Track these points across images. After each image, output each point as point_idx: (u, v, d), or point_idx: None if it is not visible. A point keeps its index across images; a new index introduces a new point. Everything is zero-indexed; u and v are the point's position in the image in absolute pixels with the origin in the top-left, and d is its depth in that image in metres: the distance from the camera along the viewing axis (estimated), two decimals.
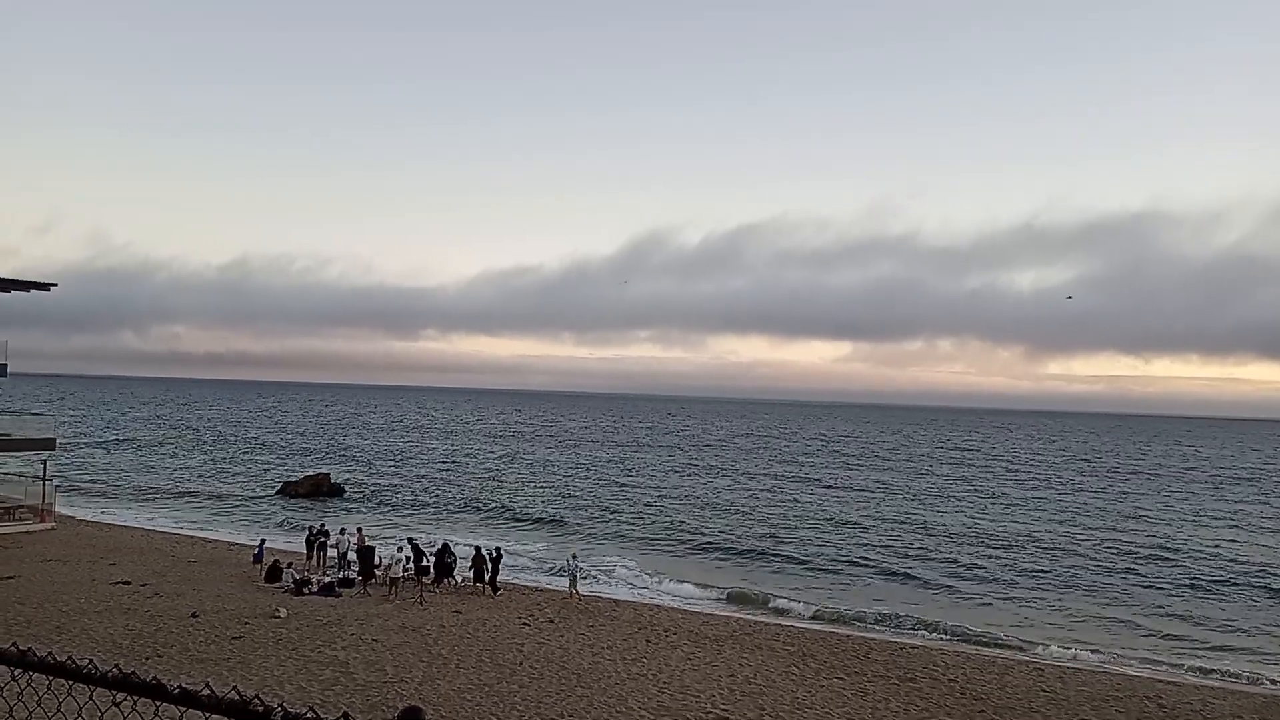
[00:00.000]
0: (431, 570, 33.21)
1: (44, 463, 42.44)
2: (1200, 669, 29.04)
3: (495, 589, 32.74)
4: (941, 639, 31.30)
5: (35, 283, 43.15)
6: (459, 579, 33.59)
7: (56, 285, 44.29)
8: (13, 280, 41.90)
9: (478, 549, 34.45)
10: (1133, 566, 46.74)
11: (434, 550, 34.55)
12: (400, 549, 33.73)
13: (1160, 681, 26.01)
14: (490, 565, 33.16)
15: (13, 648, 3.10)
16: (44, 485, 41.43)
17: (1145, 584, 42.51)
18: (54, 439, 44.06)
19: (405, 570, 32.22)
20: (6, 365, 40.61)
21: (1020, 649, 30.38)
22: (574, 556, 35.42)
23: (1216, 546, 54.01)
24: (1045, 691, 23.53)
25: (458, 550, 35.46)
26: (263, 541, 37.66)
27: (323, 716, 2.39)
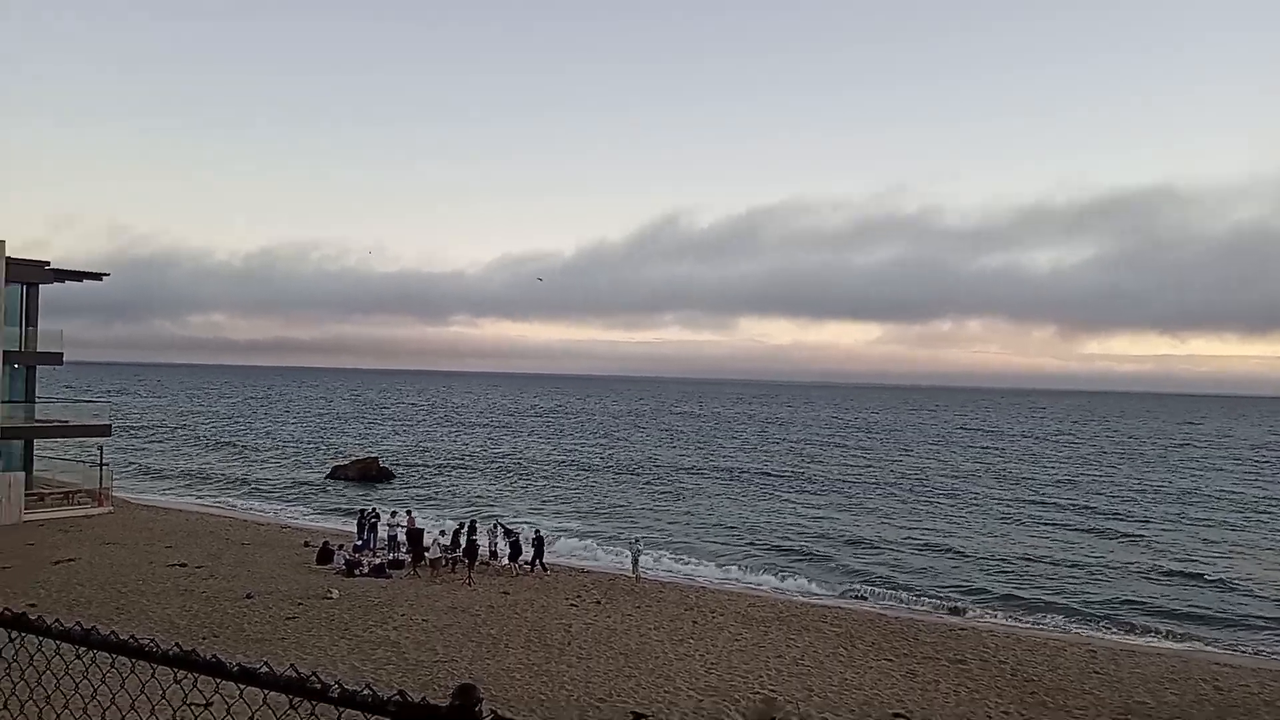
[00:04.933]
0: (495, 551, 33.62)
1: (100, 448, 43.38)
2: (1259, 651, 28.60)
3: (544, 568, 33.15)
4: (992, 620, 31.08)
5: (88, 273, 44.07)
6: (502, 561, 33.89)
7: (109, 275, 45.21)
8: (67, 271, 42.82)
9: (505, 529, 34.98)
10: (1186, 546, 46.01)
11: (503, 532, 34.89)
12: (442, 532, 34.34)
13: (1215, 664, 25.57)
14: (534, 546, 33.54)
15: (76, 627, 3.17)
16: (100, 470, 42.35)
17: (1199, 564, 41.82)
18: (109, 425, 44.98)
19: (447, 552, 32.70)
20: (63, 354, 41.51)
21: (1072, 630, 30.10)
22: (637, 539, 36.26)
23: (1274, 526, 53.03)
24: (1098, 673, 23.23)
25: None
26: (362, 526, 37.08)
27: (378, 694, 2.40)
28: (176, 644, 2.95)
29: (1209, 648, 28.70)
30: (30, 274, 40.32)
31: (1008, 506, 58.66)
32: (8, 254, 37.72)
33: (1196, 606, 34.31)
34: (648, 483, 67.41)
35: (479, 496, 59.05)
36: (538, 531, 35.26)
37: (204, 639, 21.59)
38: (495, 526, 35.88)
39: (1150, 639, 29.50)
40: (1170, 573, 39.89)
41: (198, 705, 3.84)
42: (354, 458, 73.04)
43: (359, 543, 35.57)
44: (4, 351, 38.14)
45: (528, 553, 33.53)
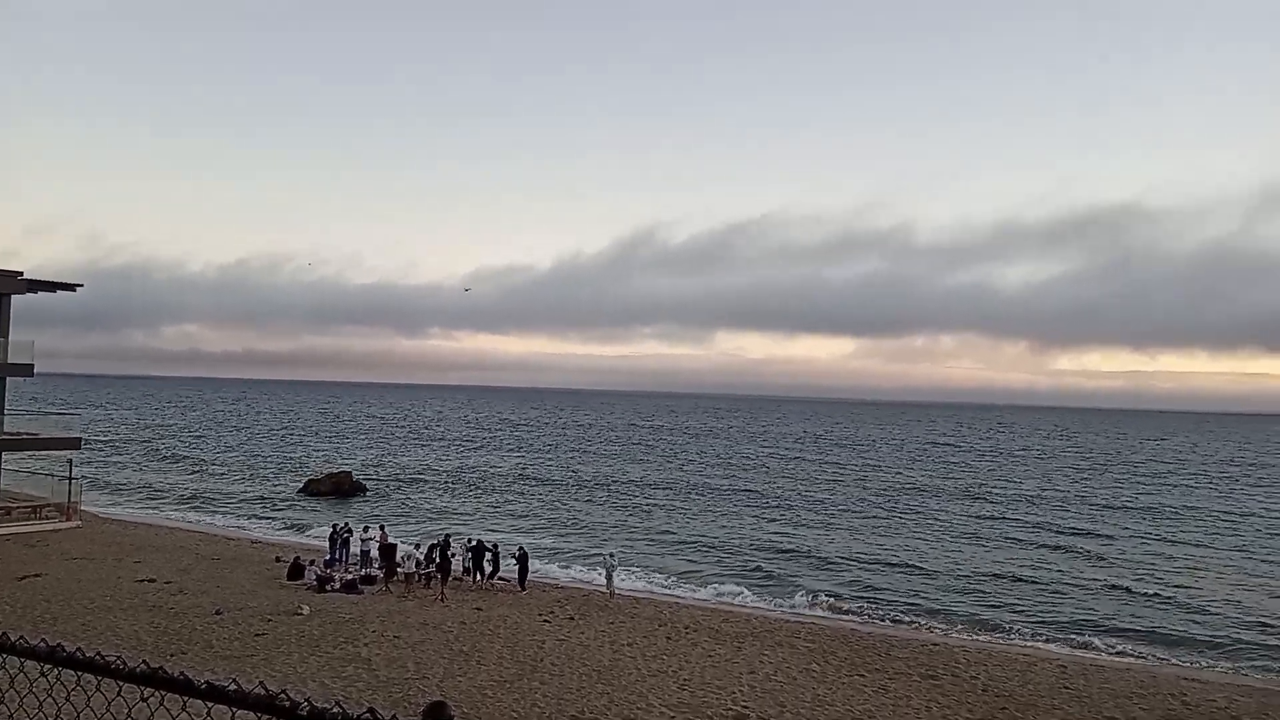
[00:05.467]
0: (461, 566, 33.46)
1: (69, 461, 42.86)
2: (1225, 667, 28.86)
3: (523, 586, 32.91)
4: (963, 636, 31.22)
5: (62, 283, 43.65)
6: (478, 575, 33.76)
7: (82, 285, 44.81)
8: (40, 281, 42.38)
9: (479, 543, 34.84)
10: (1153, 563, 46.42)
11: (467, 547, 34.83)
12: (418, 545, 34.14)
13: (1184, 679, 25.81)
14: (519, 563, 33.45)
15: (41, 643, 3.15)
16: (69, 483, 41.83)
17: (1166, 581, 42.19)
18: (79, 438, 44.48)
19: (420, 568, 32.56)
20: (33, 365, 41.02)
21: (1043, 647, 30.27)
22: (611, 555, 36.01)
23: (1246, 542, 53.59)
24: (1068, 689, 23.39)
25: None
26: (334, 541, 36.85)
27: (348, 711, 2.41)
28: (144, 661, 2.94)
29: (1177, 663, 28.94)
30: (2, 284, 39.89)
31: (977, 523, 58.98)
32: None
33: (1163, 623, 34.57)
34: (621, 498, 67.29)
35: (453, 511, 58.72)
36: (520, 549, 35.01)
37: (172, 655, 21.35)
38: (468, 540, 35.75)
39: (1119, 655, 29.70)
40: (1137, 590, 40.17)
41: None
42: (327, 472, 72.49)
43: (329, 558, 35.30)
44: None
45: (510, 570, 33.45)
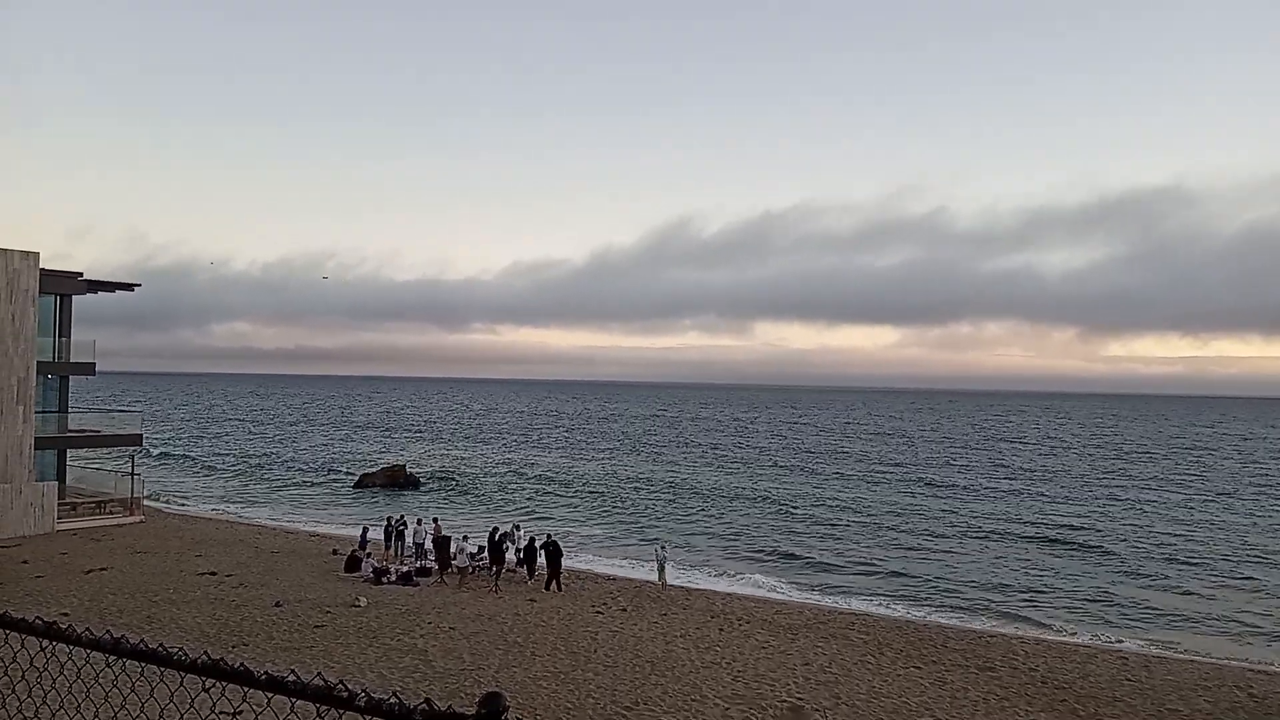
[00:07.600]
0: (514, 558, 33.41)
1: (132, 457, 43.80)
2: None
3: (559, 586, 31.65)
4: (1019, 629, 30.79)
5: (121, 283, 44.61)
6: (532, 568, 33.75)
7: (140, 285, 45.74)
8: (100, 281, 43.33)
9: (531, 539, 34.38)
10: (1212, 553, 45.42)
11: (514, 539, 34.79)
12: (466, 538, 34.18)
13: (1250, 671, 25.23)
14: (549, 558, 32.64)
15: (107, 635, 3.20)
16: (132, 479, 42.75)
17: (1229, 570, 41.28)
18: (141, 435, 45.42)
19: (475, 561, 32.59)
20: (95, 364, 41.97)
21: (1101, 639, 29.78)
22: (662, 547, 35.88)
23: None
24: (1130, 680, 22.97)
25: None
26: (365, 530, 37.55)
27: (405, 701, 2.41)
28: (205, 652, 2.97)
29: (1243, 655, 28.28)
30: (64, 285, 40.82)
31: (1028, 516, 58.17)
32: (41, 265, 38.22)
33: (1228, 615, 33.85)
34: (670, 491, 67.30)
35: (504, 504, 59.14)
36: (549, 536, 34.24)
37: (233, 647, 21.74)
38: (513, 530, 35.77)
39: (1181, 647, 29.10)
40: (1200, 583, 39.43)
41: (226, 714, 3.87)
42: (381, 465, 73.37)
43: (361, 540, 35.82)
44: (38, 362, 38.60)
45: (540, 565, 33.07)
